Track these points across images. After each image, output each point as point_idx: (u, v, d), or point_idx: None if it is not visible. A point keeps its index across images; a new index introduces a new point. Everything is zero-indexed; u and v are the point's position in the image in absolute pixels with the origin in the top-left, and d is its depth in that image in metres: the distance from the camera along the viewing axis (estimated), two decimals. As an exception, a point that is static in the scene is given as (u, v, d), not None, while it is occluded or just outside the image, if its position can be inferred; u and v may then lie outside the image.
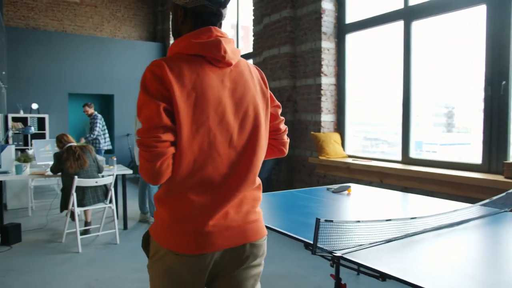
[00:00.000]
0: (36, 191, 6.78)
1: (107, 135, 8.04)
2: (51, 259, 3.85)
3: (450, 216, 2.13)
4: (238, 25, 7.84)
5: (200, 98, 1.26)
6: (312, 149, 5.43)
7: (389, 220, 1.85)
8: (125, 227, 4.86)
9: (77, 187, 4.07)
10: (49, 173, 4.35)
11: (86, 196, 4.24)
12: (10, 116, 8.88)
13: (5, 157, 4.49)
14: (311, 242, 1.66)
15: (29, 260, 3.82)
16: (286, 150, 1.62)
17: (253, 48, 6.79)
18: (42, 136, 8.97)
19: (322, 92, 5.30)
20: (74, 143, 4.42)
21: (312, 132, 5.29)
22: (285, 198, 2.99)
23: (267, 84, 1.49)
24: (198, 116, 1.25)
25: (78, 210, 4.19)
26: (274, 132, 1.56)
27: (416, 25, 4.36)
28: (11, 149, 4.66)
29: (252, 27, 6.77)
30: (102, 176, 4.44)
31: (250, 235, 1.37)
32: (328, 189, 3.26)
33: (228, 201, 1.32)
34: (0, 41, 7.84)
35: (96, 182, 4.21)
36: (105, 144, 7.93)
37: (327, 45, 5.29)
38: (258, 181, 1.43)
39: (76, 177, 4.05)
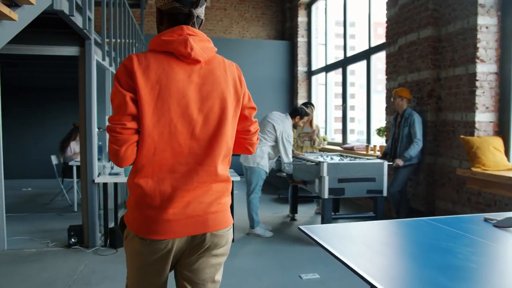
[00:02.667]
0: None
1: None
2: (149, 270, 3.59)
3: None
4: (370, 22, 6.80)
5: (164, 90, 1.36)
6: (462, 157, 4.22)
7: None
8: (232, 239, 4.40)
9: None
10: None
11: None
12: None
13: (117, 159, 4.46)
14: None
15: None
16: (254, 150, 1.68)
17: (386, 36, 5.75)
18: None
19: (478, 83, 4.05)
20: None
21: (462, 136, 4.08)
22: (419, 231, 2.07)
23: (244, 83, 1.55)
24: (160, 107, 1.36)
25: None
26: (244, 132, 1.61)
27: None
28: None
29: (385, 13, 5.75)
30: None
31: (211, 225, 1.45)
32: (487, 220, 2.21)
33: (188, 190, 1.40)
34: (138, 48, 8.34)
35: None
36: None
37: (486, 22, 4.02)
38: (226, 175, 1.50)
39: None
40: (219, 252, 1.52)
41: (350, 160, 4.69)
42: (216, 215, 1.46)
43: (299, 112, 4.83)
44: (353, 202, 6.43)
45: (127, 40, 6.06)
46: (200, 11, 1.48)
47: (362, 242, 1.90)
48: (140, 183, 1.38)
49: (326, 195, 4.21)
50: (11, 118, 8.80)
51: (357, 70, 8.05)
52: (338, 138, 8.18)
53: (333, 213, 4.96)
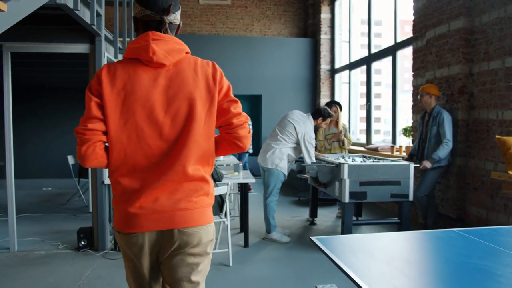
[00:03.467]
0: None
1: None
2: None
3: None
4: (396, 17, 6.43)
5: (129, 96, 1.44)
6: (497, 159, 3.86)
7: None
8: (246, 244, 4.18)
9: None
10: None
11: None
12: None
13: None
14: None
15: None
16: (245, 145, 1.59)
17: (413, 30, 5.41)
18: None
19: (515, 78, 3.70)
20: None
21: (497, 136, 3.73)
22: (449, 245, 1.80)
23: (219, 80, 1.53)
24: (126, 111, 1.44)
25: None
26: (227, 126, 1.56)
27: None
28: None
29: (412, 5, 5.41)
30: (216, 185, 3.85)
31: (177, 222, 1.46)
32: (530, 233, 1.91)
33: (156, 187, 1.44)
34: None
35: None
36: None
37: (525, 10, 3.66)
38: (199, 175, 1.50)
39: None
40: (195, 252, 1.51)
41: (373, 161, 4.39)
42: (184, 212, 1.46)
43: (321, 113, 4.54)
44: (377, 206, 6.10)
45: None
46: (173, 18, 1.53)
47: (382, 258, 1.65)
48: (118, 180, 1.46)
49: (346, 199, 3.93)
50: (32, 118, 8.91)
51: (383, 69, 7.69)
52: (364, 139, 7.84)
53: (355, 218, 4.68)
